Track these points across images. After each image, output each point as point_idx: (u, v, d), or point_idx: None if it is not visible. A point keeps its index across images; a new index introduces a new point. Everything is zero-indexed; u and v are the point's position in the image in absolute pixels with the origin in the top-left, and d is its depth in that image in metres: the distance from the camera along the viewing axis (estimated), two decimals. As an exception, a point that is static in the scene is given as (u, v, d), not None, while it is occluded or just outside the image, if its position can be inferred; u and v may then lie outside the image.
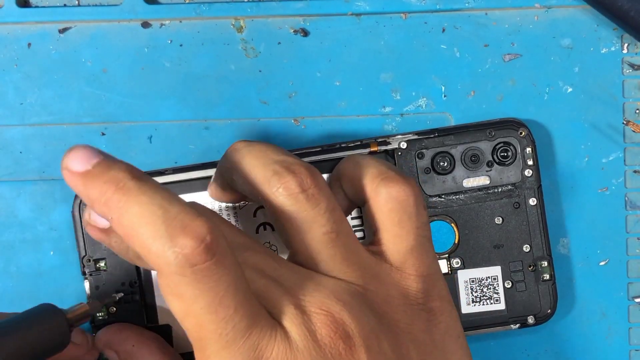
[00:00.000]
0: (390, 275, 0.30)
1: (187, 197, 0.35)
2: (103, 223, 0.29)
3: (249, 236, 0.30)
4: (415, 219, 0.30)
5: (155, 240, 0.24)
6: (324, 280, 0.28)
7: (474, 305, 0.36)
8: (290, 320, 0.27)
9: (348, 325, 0.27)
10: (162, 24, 0.37)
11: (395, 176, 0.30)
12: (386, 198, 0.30)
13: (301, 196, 0.28)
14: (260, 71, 0.37)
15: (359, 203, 0.32)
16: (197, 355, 0.26)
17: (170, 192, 0.26)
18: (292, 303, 0.27)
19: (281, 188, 0.28)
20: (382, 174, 0.30)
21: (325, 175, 0.35)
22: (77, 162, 0.26)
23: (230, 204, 0.35)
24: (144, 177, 0.26)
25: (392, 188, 0.30)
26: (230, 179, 0.31)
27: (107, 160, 0.26)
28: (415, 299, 0.30)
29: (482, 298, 0.36)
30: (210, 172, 0.34)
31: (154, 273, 0.35)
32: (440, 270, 0.31)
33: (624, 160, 0.37)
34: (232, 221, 0.35)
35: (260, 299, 0.27)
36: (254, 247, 0.29)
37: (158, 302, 0.35)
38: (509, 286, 0.36)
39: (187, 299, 0.25)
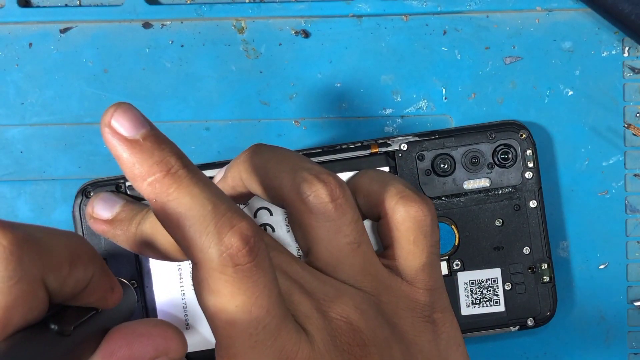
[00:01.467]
0: (401, 289, 0.30)
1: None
2: (107, 215, 0.29)
3: (273, 238, 0.31)
4: (430, 238, 0.31)
5: (201, 235, 0.24)
6: (343, 288, 0.29)
7: (474, 307, 0.36)
8: (314, 325, 0.27)
9: (364, 334, 0.28)
10: (163, 25, 0.37)
11: (414, 195, 0.31)
12: (404, 217, 0.30)
13: (330, 205, 0.29)
14: (261, 72, 0.37)
15: (371, 217, 0.32)
16: (220, 353, 0.26)
17: (218, 187, 0.26)
18: (315, 307, 0.28)
19: (311, 196, 0.29)
20: (401, 192, 0.31)
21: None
22: (124, 125, 0.24)
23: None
24: (194, 167, 0.25)
25: (411, 207, 0.30)
26: (247, 180, 0.31)
27: (156, 134, 0.25)
28: (422, 312, 0.31)
29: (481, 300, 0.36)
30: (211, 172, 0.34)
31: (154, 274, 0.35)
32: (444, 283, 0.32)
33: (624, 164, 0.38)
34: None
35: (284, 301, 0.27)
36: (278, 248, 0.30)
37: (158, 303, 0.35)
38: (508, 288, 0.36)
39: (223, 296, 0.25)
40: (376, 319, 0.29)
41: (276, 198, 0.30)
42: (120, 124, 0.24)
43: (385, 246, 0.31)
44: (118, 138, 0.24)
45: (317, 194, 0.29)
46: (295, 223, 0.30)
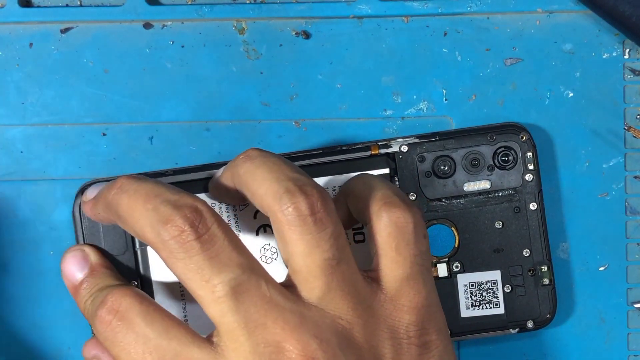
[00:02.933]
0: (384, 307, 0.29)
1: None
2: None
3: (254, 257, 0.29)
4: (413, 246, 0.30)
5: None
6: (309, 315, 0.28)
7: (473, 309, 0.36)
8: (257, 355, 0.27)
9: None
10: (164, 25, 0.37)
11: (398, 201, 0.30)
12: (386, 222, 0.30)
13: (309, 219, 0.28)
14: (261, 73, 0.37)
15: (362, 222, 0.32)
16: None
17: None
18: (268, 340, 0.27)
19: (291, 207, 0.28)
20: (386, 198, 0.30)
21: (326, 178, 0.35)
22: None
23: (230, 205, 0.35)
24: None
25: (393, 213, 0.30)
26: (238, 185, 0.31)
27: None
28: (405, 333, 0.29)
29: (481, 302, 0.36)
30: (212, 173, 0.35)
31: (154, 274, 0.35)
32: (439, 302, 0.31)
33: (625, 166, 0.37)
34: (232, 223, 0.35)
35: (226, 330, 0.28)
36: (254, 269, 0.29)
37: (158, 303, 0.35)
38: (508, 290, 0.36)
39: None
40: (337, 349, 0.28)
41: (260, 206, 0.29)
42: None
43: (372, 255, 0.31)
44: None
45: (297, 206, 0.28)
46: (276, 233, 0.29)
